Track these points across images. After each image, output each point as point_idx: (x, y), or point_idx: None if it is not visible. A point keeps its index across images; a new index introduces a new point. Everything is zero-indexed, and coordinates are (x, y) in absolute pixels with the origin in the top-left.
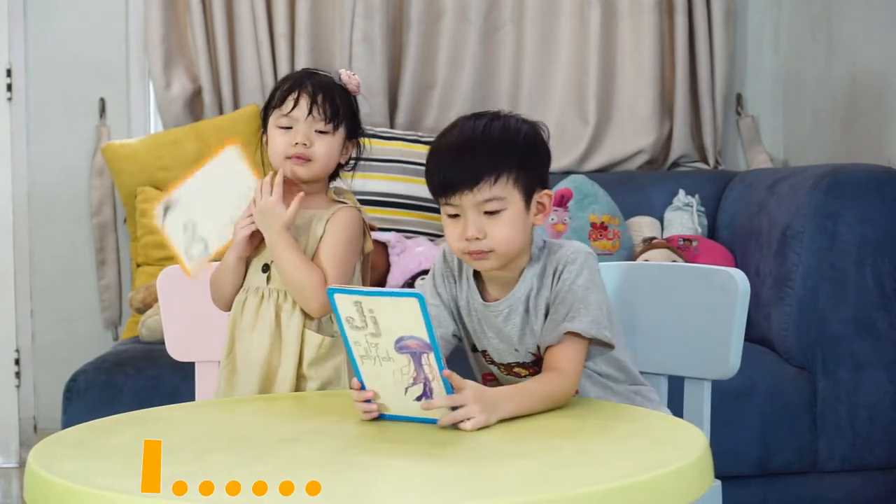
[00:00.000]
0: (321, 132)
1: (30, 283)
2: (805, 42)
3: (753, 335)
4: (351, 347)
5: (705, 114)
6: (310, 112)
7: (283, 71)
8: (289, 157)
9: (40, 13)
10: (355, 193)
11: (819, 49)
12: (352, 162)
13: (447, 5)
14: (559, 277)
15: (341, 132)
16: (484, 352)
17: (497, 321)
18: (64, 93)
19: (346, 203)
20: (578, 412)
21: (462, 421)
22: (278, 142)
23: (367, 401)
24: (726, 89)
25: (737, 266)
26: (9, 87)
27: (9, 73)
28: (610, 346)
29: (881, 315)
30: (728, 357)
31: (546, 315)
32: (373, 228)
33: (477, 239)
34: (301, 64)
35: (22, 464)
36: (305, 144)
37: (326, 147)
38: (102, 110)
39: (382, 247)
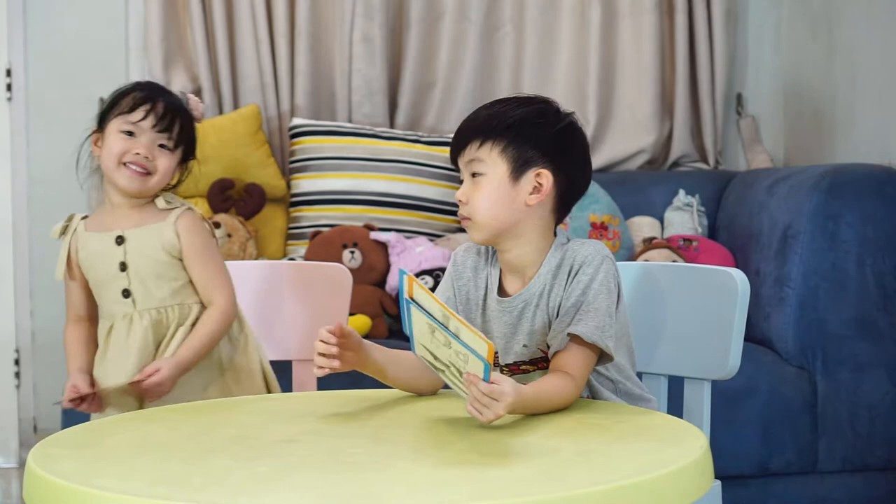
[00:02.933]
0: (163, 147)
1: (30, 283)
2: (805, 42)
3: (753, 335)
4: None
5: (705, 114)
6: (156, 126)
7: (284, 71)
8: (123, 164)
9: (40, 13)
10: (356, 194)
11: (819, 49)
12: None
13: (447, 5)
14: (573, 278)
15: (178, 153)
16: None
17: (510, 316)
18: (64, 93)
19: (178, 206)
20: (578, 412)
21: (481, 407)
22: (118, 146)
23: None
24: (726, 89)
25: (737, 266)
26: (9, 87)
27: (9, 73)
28: (609, 357)
29: (882, 315)
30: (728, 357)
31: (559, 314)
32: (372, 228)
33: (461, 202)
34: (301, 63)
35: (21, 464)
36: (147, 157)
37: (167, 163)
38: None
39: (382, 247)
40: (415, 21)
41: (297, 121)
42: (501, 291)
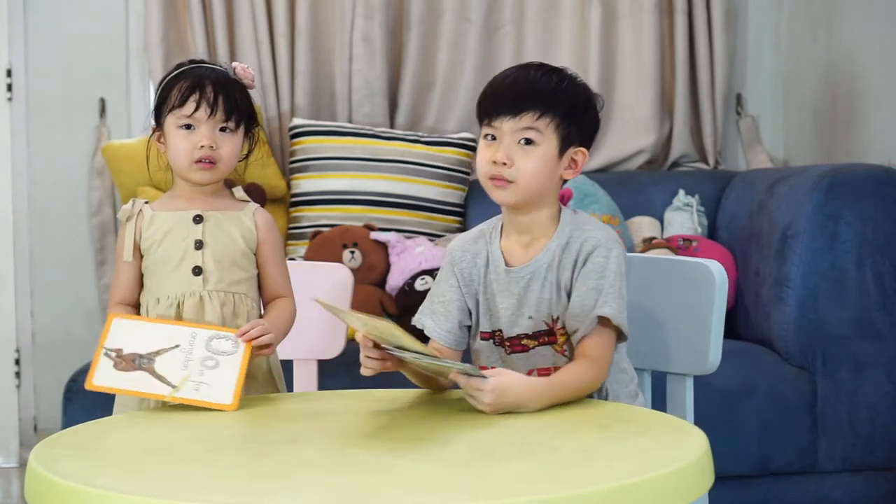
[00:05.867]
0: (224, 130)
1: (30, 283)
2: (805, 42)
3: (753, 335)
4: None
5: (705, 114)
6: (212, 113)
7: (284, 71)
8: (195, 162)
9: (40, 13)
10: (356, 194)
11: (819, 49)
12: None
13: (447, 5)
14: (588, 259)
15: (241, 130)
16: (494, 332)
17: (518, 287)
18: (64, 93)
19: (250, 201)
20: (578, 412)
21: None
22: (181, 145)
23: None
24: (726, 89)
25: (737, 266)
26: (9, 87)
27: (9, 73)
28: (623, 339)
29: (881, 315)
30: (707, 353)
31: (568, 292)
32: (372, 228)
33: (504, 164)
34: (301, 63)
35: (22, 464)
36: (212, 147)
37: (231, 147)
38: (102, 110)
39: (382, 247)
40: (415, 21)
41: (297, 121)
42: (506, 265)
